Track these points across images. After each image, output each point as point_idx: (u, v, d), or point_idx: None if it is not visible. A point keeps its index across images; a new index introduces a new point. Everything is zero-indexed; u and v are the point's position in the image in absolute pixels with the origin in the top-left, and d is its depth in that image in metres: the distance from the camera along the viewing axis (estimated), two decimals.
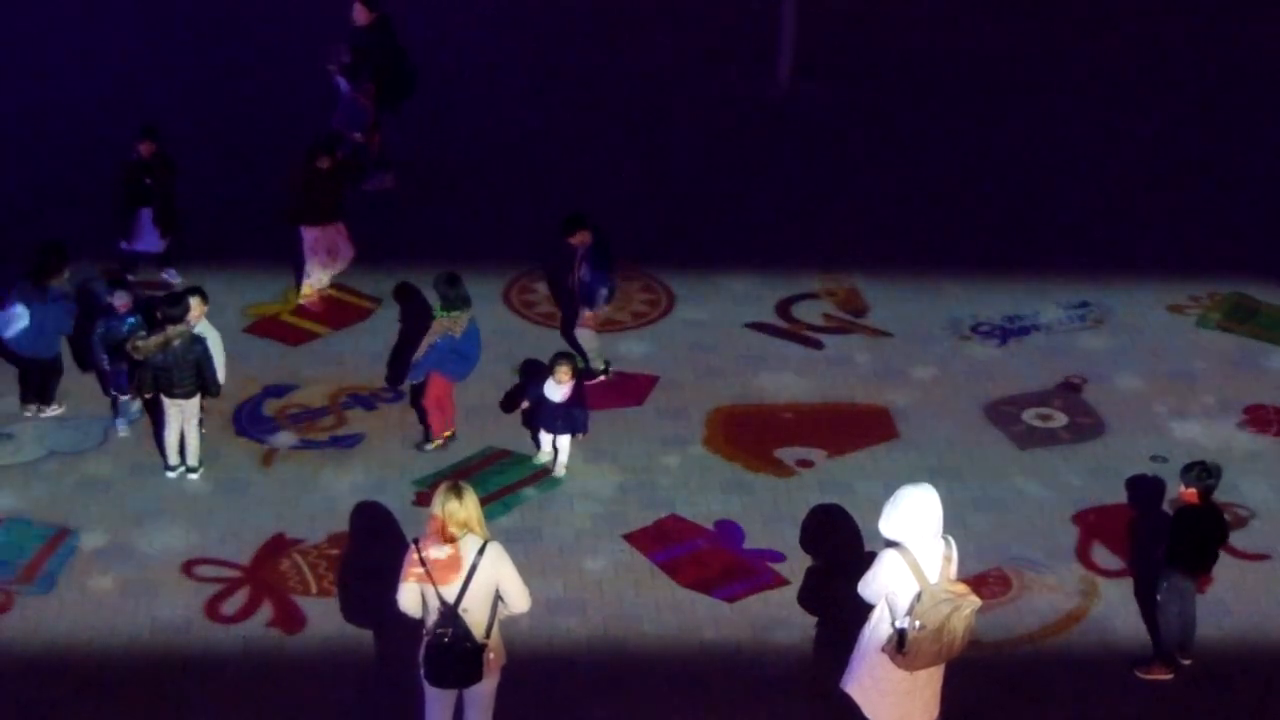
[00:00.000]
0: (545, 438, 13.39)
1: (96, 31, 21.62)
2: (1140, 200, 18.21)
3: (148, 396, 13.29)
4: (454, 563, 9.65)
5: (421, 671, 10.02)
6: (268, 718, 11.04)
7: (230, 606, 11.96)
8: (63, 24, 21.79)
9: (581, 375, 13.50)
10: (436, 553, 9.66)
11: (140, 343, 12.95)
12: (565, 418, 13.19)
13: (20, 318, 13.34)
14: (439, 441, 13.54)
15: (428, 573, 9.65)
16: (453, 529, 9.64)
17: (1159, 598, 11.50)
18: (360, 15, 17.20)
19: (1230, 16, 23.34)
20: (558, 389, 13.11)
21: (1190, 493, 11.37)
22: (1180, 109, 20.58)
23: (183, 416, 13.03)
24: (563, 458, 13.37)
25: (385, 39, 17.37)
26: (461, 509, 9.65)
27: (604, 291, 14.19)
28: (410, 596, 9.79)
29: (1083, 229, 17.55)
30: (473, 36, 22.00)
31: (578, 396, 13.21)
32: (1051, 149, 19.36)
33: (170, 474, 13.19)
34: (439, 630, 9.74)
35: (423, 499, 13.02)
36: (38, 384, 13.75)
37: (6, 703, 11.04)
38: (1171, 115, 20.39)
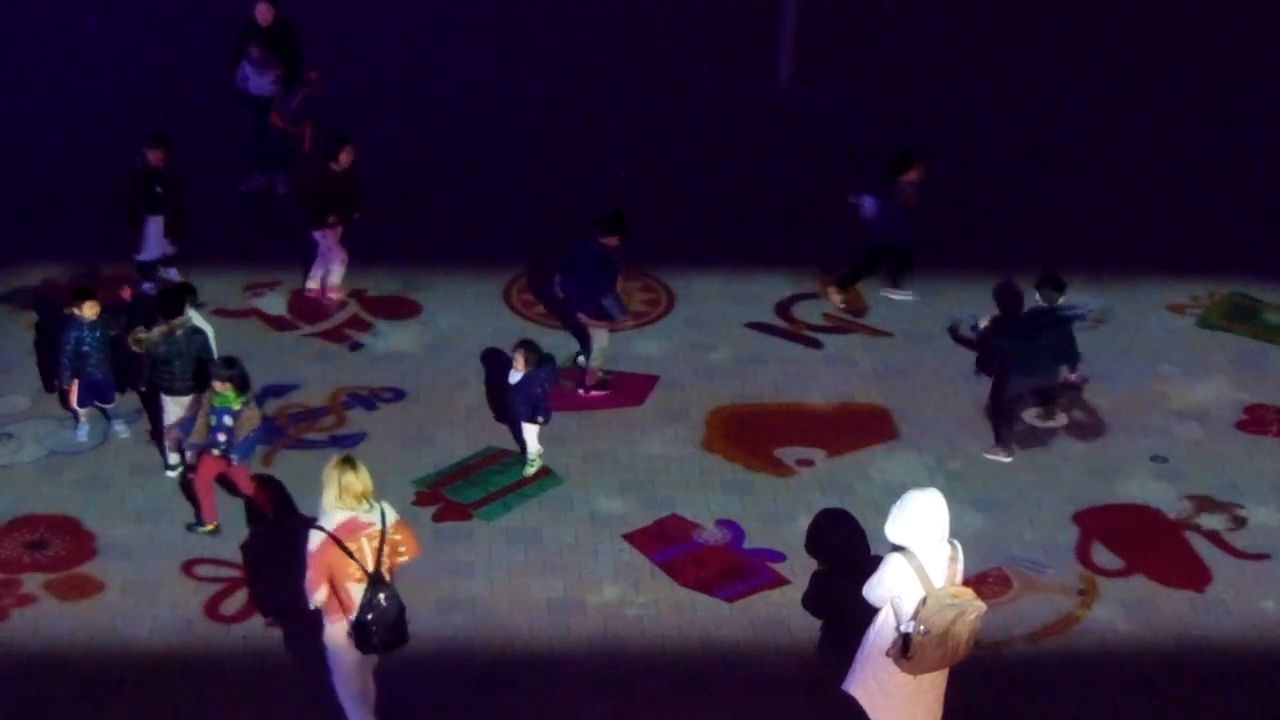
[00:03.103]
0: (527, 434, 13.37)
1: (95, 31, 21.63)
2: (1140, 200, 18.22)
3: (143, 390, 13.31)
4: (368, 531, 9.91)
5: (353, 648, 10.09)
6: (268, 718, 11.04)
7: (230, 606, 11.95)
8: (61, 24, 21.80)
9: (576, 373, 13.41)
10: (350, 525, 9.85)
11: (143, 334, 12.93)
12: (525, 401, 13.15)
13: (871, 208, 15.51)
14: (211, 526, 12.67)
15: (343, 548, 9.81)
16: (352, 499, 9.85)
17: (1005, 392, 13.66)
18: (265, 15, 17.18)
19: (1231, 16, 23.35)
20: (515, 374, 13.15)
21: (1040, 296, 13.62)
22: (1181, 109, 20.59)
23: (183, 415, 13.01)
24: (529, 450, 13.35)
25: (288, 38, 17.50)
26: (358, 480, 9.88)
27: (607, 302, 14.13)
28: (324, 582, 9.92)
29: (1083, 229, 17.55)
30: (472, 37, 22.01)
31: (534, 384, 13.15)
32: (1052, 149, 19.37)
33: (170, 474, 13.19)
34: (376, 599, 9.91)
35: (422, 499, 13.04)
36: (891, 269, 15.80)
37: (6, 703, 11.03)
38: (1172, 115, 20.40)
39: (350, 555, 9.86)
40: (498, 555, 12.50)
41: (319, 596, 9.98)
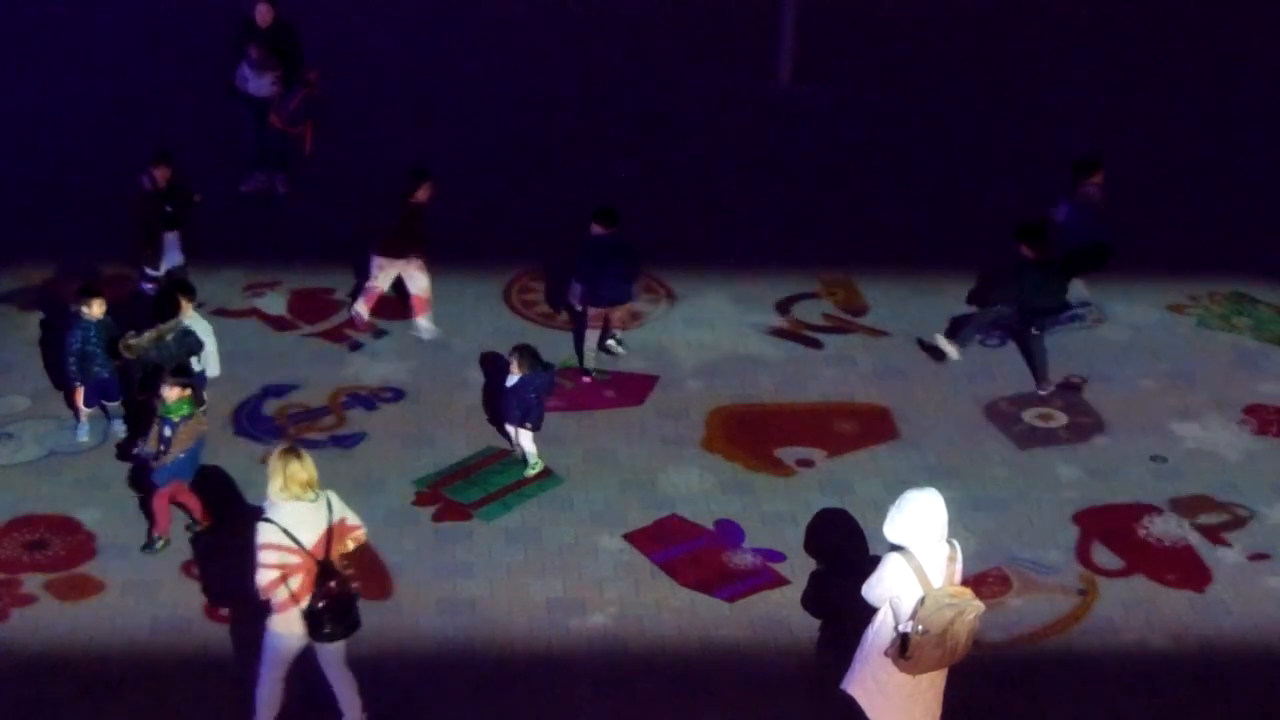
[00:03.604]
0: (521, 438, 13.37)
1: (95, 31, 21.64)
2: (1140, 200, 18.21)
3: (142, 399, 13.28)
4: (315, 519, 9.99)
5: (300, 638, 10.18)
6: None
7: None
8: (60, 24, 21.80)
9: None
10: (296, 513, 9.93)
11: (133, 341, 12.87)
12: (519, 405, 13.18)
13: (1063, 213, 15.61)
14: (206, 523, 12.54)
15: (292, 537, 9.89)
16: (298, 487, 9.92)
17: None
18: (265, 16, 17.16)
19: (1231, 16, 23.36)
20: (511, 378, 13.18)
21: (1026, 249, 14.27)
22: (1181, 109, 20.60)
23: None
24: (526, 449, 13.37)
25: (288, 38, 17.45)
26: (303, 469, 9.95)
27: (574, 287, 14.15)
28: (274, 572, 9.99)
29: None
30: (473, 36, 22.02)
31: (528, 389, 13.18)
32: (1051, 149, 19.36)
33: None
34: (328, 586, 10.02)
35: (422, 499, 13.04)
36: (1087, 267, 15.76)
37: (6, 703, 11.03)
38: (1172, 115, 20.40)
39: (300, 545, 9.94)
40: (498, 555, 12.50)
41: (269, 586, 10.05)
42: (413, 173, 14.94)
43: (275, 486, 9.95)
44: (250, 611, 11.76)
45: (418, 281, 15.04)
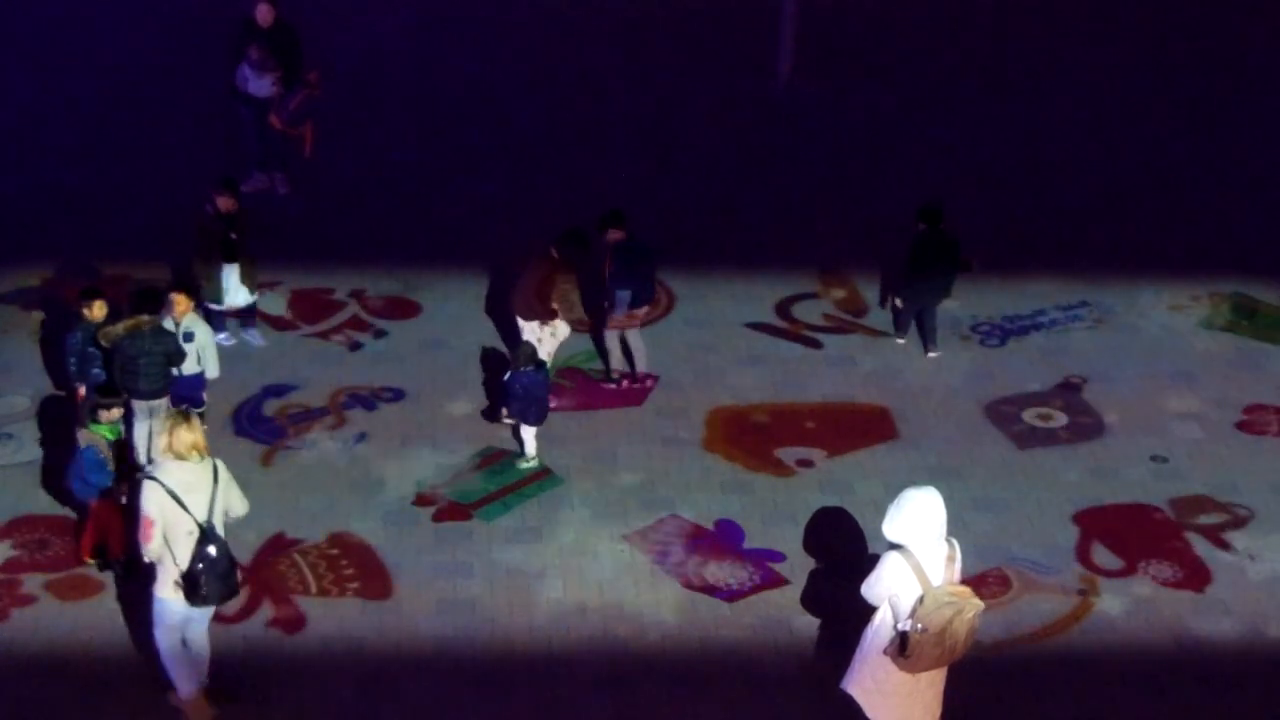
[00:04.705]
0: (526, 435, 13.38)
1: (96, 30, 21.64)
2: (1140, 200, 18.22)
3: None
4: (199, 482, 10.18)
5: (180, 600, 10.32)
6: (268, 718, 11.04)
7: (230, 606, 11.89)
8: (60, 23, 21.81)
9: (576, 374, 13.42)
10: (181, 475, 10.13)
11: (110, 328, 12.80)
12: (521, 402, 13.20)
13: None
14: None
15: (175, 499, 10.08)
16: (183, 450, 10.15)
17: (898, 302, 15.07)
18: (265, 16, 17.15)
19: (1230, 16, 23.36)
20: (509, 375, 13.22)
21: (922, 228, 14.72)
22: (1180, 109, 20.59)
23: (151, 417, 12.64)
24: (526, 444, 13.41)
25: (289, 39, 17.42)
26: (190, 434, 10.19)
27: (622, 295, 14.10)
28: (159, 535, 10.17)
29: (1083, 229, 17.55)
30: (473, 36, 22.02)
31: (529, 385, 13.18)
32: (1052, 149, 19.37)
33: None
34: (205, 549, 10.20)
35: (422, 499, 13.03)
36: None
37: (6, 703, 11.03)
38: (1171, 115, 20.39)
39: (182, 506, 10.12)
40: (498, 555, 12.50)
41: (154, 547, 10.22)
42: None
43: (161, 446, 10.24)
44: (256, 615, 11.86)
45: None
